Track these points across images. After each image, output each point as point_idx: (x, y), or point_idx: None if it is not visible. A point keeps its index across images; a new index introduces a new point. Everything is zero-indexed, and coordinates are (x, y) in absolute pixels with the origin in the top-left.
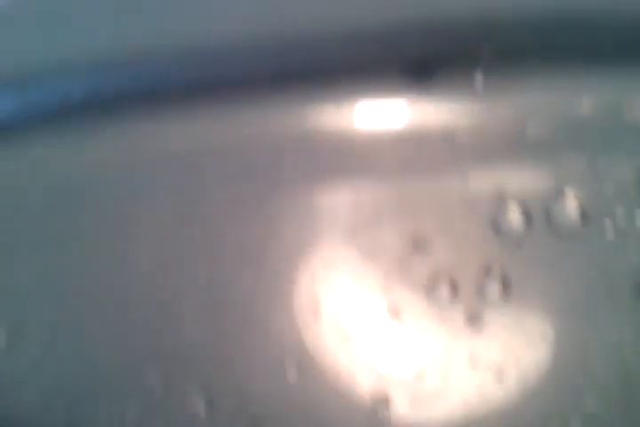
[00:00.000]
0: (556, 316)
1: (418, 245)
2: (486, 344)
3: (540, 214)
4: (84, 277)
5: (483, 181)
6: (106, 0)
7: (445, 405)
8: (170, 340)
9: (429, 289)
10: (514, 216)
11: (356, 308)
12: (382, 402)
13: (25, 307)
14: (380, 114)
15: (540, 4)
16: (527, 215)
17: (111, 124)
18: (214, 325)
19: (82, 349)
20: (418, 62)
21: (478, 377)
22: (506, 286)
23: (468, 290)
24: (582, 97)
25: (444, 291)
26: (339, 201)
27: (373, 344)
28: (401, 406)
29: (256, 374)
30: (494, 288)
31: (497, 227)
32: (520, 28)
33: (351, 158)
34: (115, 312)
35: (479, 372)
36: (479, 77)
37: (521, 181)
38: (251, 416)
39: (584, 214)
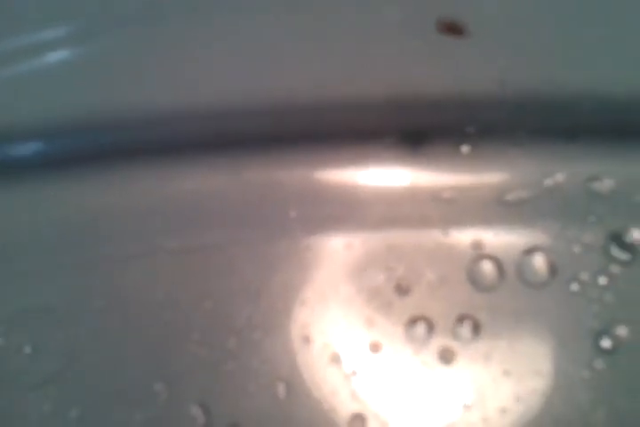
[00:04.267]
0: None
1: (400, 288)
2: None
3: (513, 268)
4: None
5: (463, 236)
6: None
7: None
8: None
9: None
10: (488, 268)
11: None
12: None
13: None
14: (379, 175)
15: (523, 87)
16: (500, 268)
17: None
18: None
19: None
20: (413, 133)
21: (445, 408)
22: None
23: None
24: (558, 170)
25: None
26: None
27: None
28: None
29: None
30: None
31: (473, 276)
32: (504, 108)
33: (350, 211)
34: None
35: (446, 403)
36: (466, 149)
37: (497, 238)
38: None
39: (553, 270)
